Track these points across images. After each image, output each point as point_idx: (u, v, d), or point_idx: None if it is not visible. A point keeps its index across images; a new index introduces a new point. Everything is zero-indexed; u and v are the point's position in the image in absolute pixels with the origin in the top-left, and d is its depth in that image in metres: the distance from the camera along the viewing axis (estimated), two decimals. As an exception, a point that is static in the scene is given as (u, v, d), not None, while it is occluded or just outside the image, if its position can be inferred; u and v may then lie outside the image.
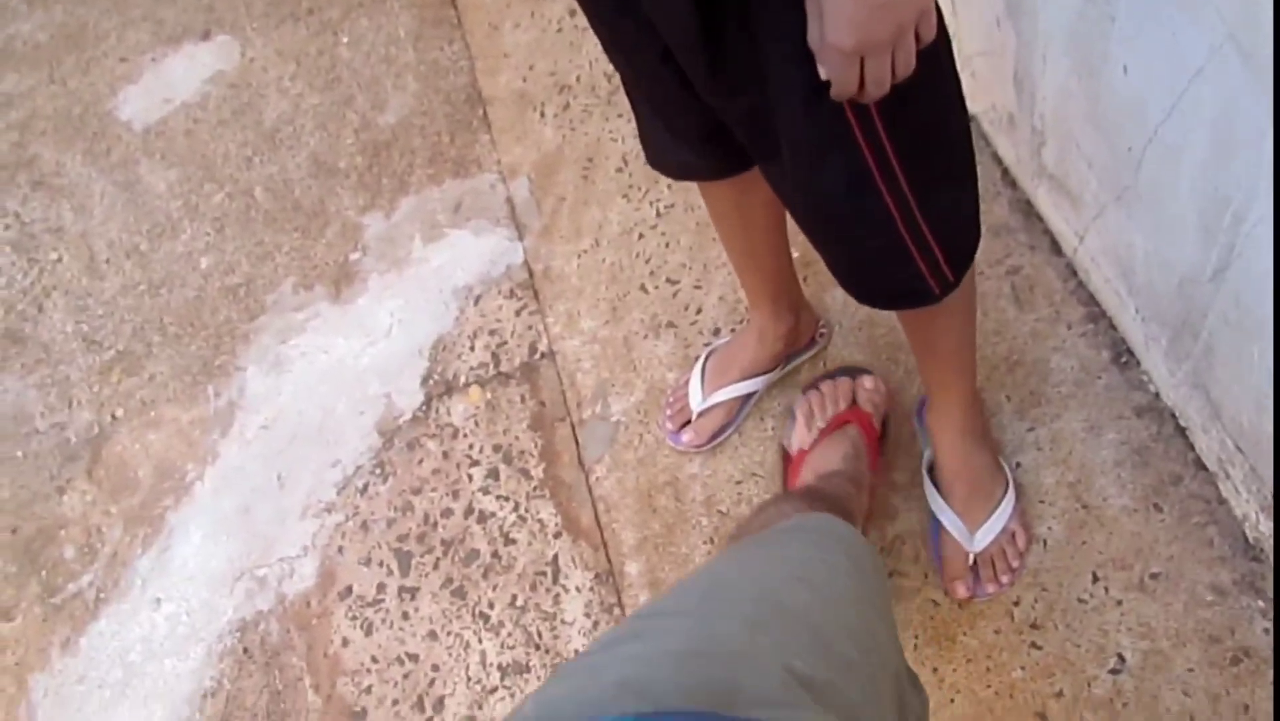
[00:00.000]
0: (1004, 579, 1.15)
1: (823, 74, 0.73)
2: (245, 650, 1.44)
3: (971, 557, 1.15)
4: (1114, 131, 1.03)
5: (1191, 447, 1.16)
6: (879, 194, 0.84)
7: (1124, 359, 1.25)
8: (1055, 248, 1.35)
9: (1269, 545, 1.05)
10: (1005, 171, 1.43)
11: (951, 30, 0.94)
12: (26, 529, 1.66)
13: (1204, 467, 1.14)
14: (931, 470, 1.20)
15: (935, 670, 1.15)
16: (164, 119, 2.09)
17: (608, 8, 0.87)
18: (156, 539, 1.58)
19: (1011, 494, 1.18)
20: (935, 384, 1.15)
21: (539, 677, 1.29)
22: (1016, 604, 1.16)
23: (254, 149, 1.96)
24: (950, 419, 1.16)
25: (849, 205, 0.86)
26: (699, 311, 1.49)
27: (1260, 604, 1.07)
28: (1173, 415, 1.18)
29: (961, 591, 1.15)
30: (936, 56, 0.78)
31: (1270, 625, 1.05)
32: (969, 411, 1.16)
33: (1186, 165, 0.92)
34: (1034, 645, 1.13)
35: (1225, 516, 1.12)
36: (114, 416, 1.73)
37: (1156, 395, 1.21)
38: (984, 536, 1.15)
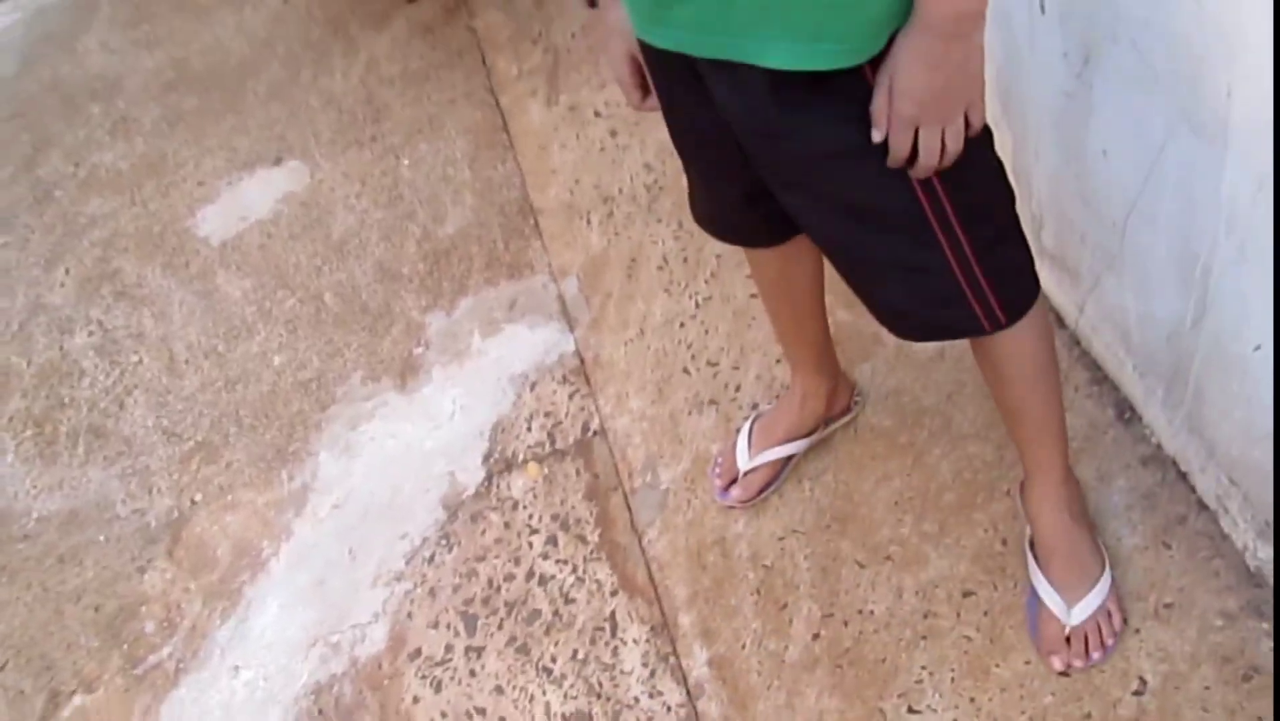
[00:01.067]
0: (1095, 654, 1.21)
1: (877, 137, 0.89)
2: (320, 711, 1.53)
3: (1067, 631, 1.23)
4: (1101, 207, 1.19)
5: (1193, 490, 1.28)
6: (939, 247, 0.98)
7: (1127, 415, 1.39)
8: (1060, 321, 1.50)
9: (1269, 570, 1.16)
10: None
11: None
12: (109, 606, 1.78)
13: (1205, 507, 1.26)
14: (1032, 545, 1.28)
15: (972, 700, 1.24)
16: (239, 234, 2.29)
17: (682, 97, 1.03)
18: (234, 611, 1.69)
19: (1108, 573, 1.25)
20: (1029, 459, 1.25)
21: (600, 724, 1.39)
22: (1044, 640, 1.26)
23: (323, 259, 2.15)
24: (1045, 495, 1.25)
25: (912, 262, 1.01)
26: (738, 389, 1.63)
27: (1265, 625, 1.17)
28: (1174, 462, 1.31)
29: (1058, 665, 1.22)
30: (986, 137, 0.96)
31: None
32: (1063, 488, 1.25)
33: (1162, 229, 1.07)
34: (1062, 673, 1.22)
35: (1228, 550, 1.23)
36: (193, 501, 1.87)
37: (1158, 446, 1.34)
38: (1080, 612, 1.22)
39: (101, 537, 1.88)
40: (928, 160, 0.89)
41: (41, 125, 2.93)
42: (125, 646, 1.71)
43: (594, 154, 2.07)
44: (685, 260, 1.82)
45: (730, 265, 1.77)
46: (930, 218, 0.97)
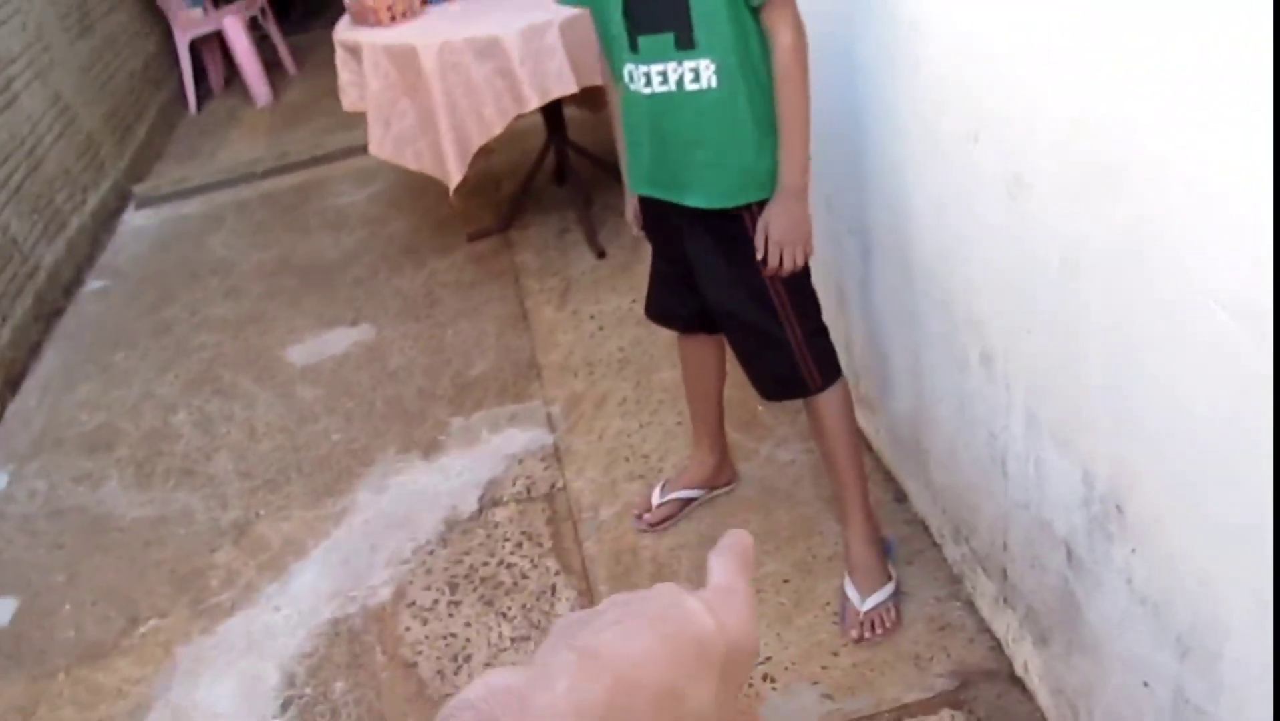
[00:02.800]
0: (877, 632, 1.89)
1: (759, 255, 1.76)
2: (336, 632, 2.17)
3: (860, 615, 1.93)
4: (888, 371, 2.06)
5: (928, 532, 2.05)
6: (784, 327, 1.83)
7: (899, 496, 2.18)
8: (869, 445, 2.32)
9: (960, 565, 1.90)
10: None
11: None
12: (182, 569, 2.43)
13: (933, 541, 2.02)
14: (846, 560, 2.01)
15: (779, 635, 1.94)
16: (318, 363, 3.13)
17: (660, 227, 1.92)
18: (279, 577, 2.35)
19: (891, 587, 1.94)
20: (842, 502, 1.97)
21: (535, 644, 2.04)
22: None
23: (379, 381, 2.97)
24: (853, 528, 1.96)
25: (769, 334, 1.85)
26: (659, 472, 2.41)
27: (958, 602, 1.91)
28: (921, 520, 2.08)
29: (853, 635, 1.91)
30: (808, 273, 1.85)
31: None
32: (865, 526, 1.96)
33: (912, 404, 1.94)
34: (856, 640, 1.94)
35: (939, 556, 1.99)
36: (257, 514, 2.57)
37: (916, 512, 2.12)
38: (869, 604, 1.92)
39: (182, 532, 2.56)
40: (787, 268, 1.77)
41: (167, 287, 3.84)
42: (193, 593, 2.35)
43: (585, 338, 2.96)
44: (637, 402, 2.66)
45: (665, 408, 2.60)
46: (779, 309, 1.84)
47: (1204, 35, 0.95)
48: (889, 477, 2.25)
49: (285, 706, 2.01)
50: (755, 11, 1.59)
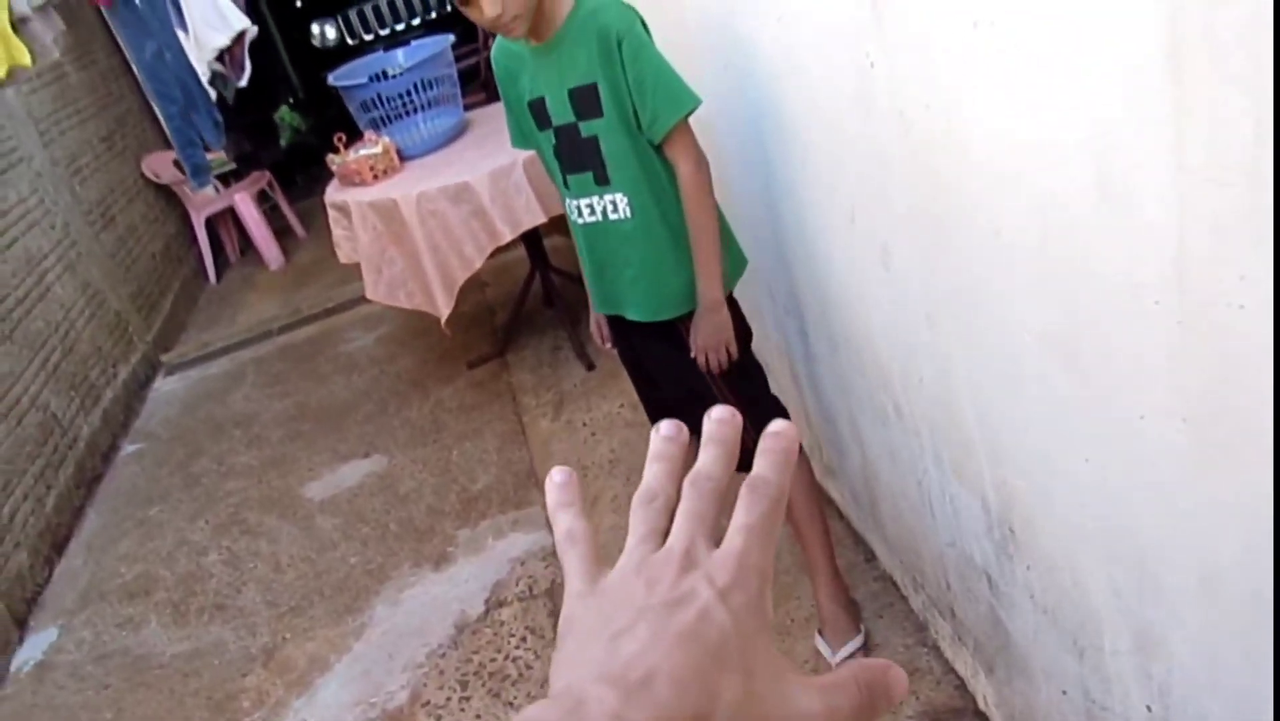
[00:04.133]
0: None
1: (691, 356, 1.98)
2: (359, 737, 2.33)
3: (833, 666, 2.11)
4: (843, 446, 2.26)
5: (896, 587, 2.20)
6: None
7: (868, 556, 2.34)
8: (840, 514, 2.49)
9: (926, 614, 2.06)
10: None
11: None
12: (217, 695, 2.61)
13: (900, 592, 2.18)
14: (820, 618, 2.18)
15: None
16: (335, 496, 3.35)
17: (623, 346, 2.14)
18: (306, 691, 2.53)
19: (860, 639, 2.10)
20: (811, 564, 2.15)
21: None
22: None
23: (391, 505, 3.19)
24: (820, 587, 2.13)
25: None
26: (650, 559, 2.59)
27: (924, 648, 2.05)
28: (888, 575, 2.24)
29: None
30: (739, 351, 2.05)
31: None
32: (832, 584, 2.13)
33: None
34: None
35: (907, 609, 2.14)
36: (284, 638, 2.75)
37: (883, 569, 2.28)
38: (839, 656, 2.09)
39: (216, 661, 2.75)
40: (714, 367, 1.98)
41: (196, 443, 4.11)
42: (228, 715, 2.53)
43: (578, 445, 3.18)
44: (628, 498, 2.83)
45: (655, 499, 2.79)
46: (721, 402, 2.05)
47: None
48: (858, 539, 2.42)
49: (314, 809, 2.17)
50: (658, 148, 1.84)
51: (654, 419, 2.32)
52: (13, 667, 2.97)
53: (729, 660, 0.37)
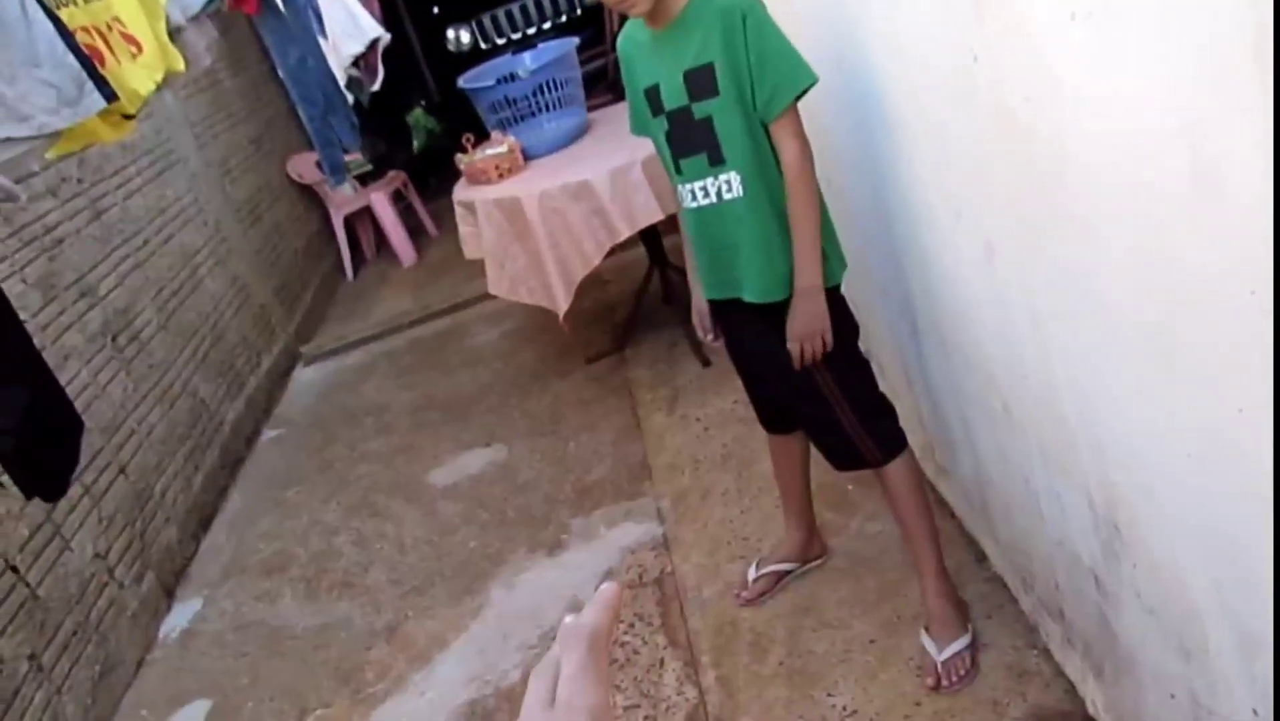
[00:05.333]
0: (954, 681, 2.03)
1: (789, 343, 2.00)
2: (472, 712, 2.43)
3: (936, 664, 2.09)
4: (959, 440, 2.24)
5: (1005, 586, 2.17)
6: (835, 410, 2.05)
7: (979, 557, 2.31)
8: (952, 513, 2.47)
9: (1034, 614, 2.03)
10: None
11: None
12: (344, 666, 2.76)
13: (1009, 592, 2.15)
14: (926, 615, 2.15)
15: (865, 689, 2.09)
16: (457, 482, 3.49)
17: (731, 339, 2.17)
18: (425, 666, 2.65)
19: (969, 636, 2.08)
20: (917, 560, 2.15)
21: (644, 713, 2.25)
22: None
23: (510, 493, 3.30)
24: (928, 583, 2.13)
25: (822, 417, 2.07)
26: (758, 552, 2.61)
27: (1034, 650, 2.02)
28: (999, 577, 2.21)
29: (929, 682, 2.06)
30: (844, 345, 2.06)
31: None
32: (939, 581, 2.12)
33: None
34: (932, 688, 2.08)
35: (1018, 611, 2.11)
36: (406, 616, 2.89)
37: (993, 570, 2.25)
38: (945, 654, 2.07)
39: (343, 635, 2.90)
40: (808, 357, 1.99)
41: (331, 430, 4.33)
42: (353, 686, 2.67)
43: (692, 439, 3.22)
44: (738, 491, 2.88)
45: (764, 495, 2.82)
46: (827, 395, 2.06)
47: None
48: (969, 540, 2.39)
49: (430, 776, 2.28)
50: (767, 128, 1.87)
51: (761, 416, 2.35)
52: (161, 634, 3.20)
53: None
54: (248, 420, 4.49)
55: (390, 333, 5.24)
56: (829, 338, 1.97)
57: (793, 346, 1.95)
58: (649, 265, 3.91)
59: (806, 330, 1.94)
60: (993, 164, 1.44)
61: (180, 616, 3.28)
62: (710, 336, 2.23)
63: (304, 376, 5.12)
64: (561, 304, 3.31)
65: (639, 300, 4.04)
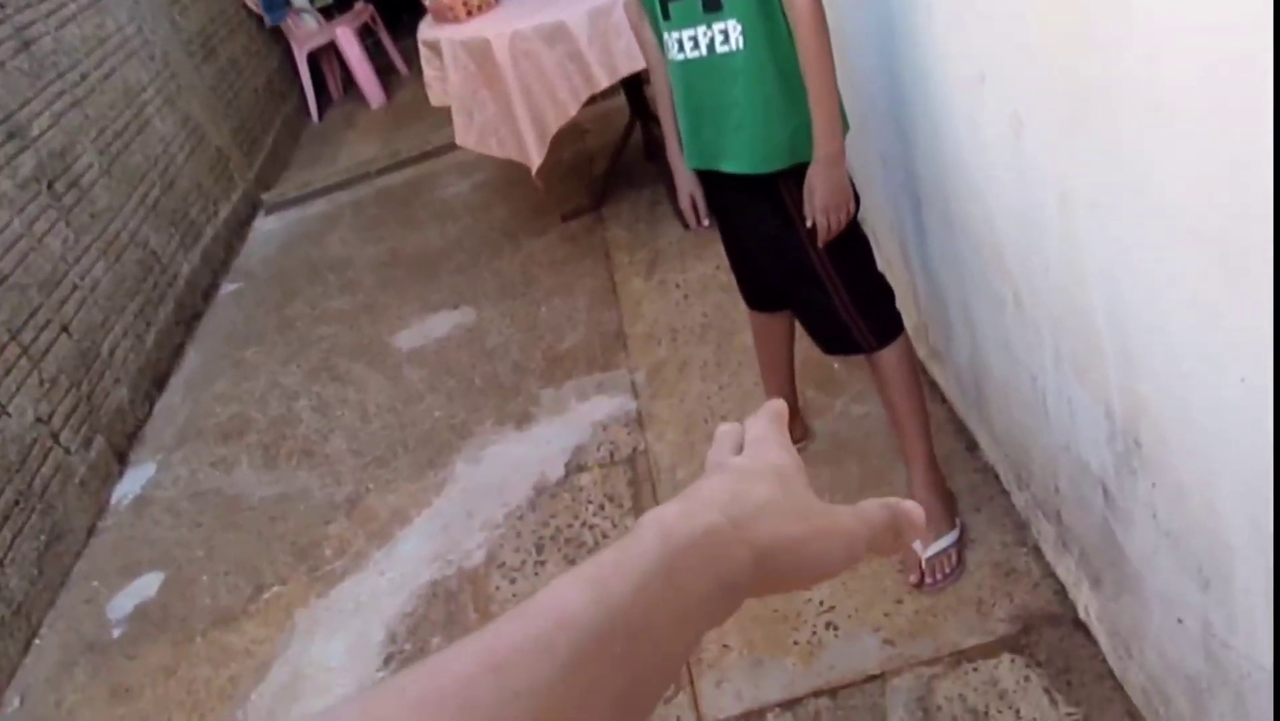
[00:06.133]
0: (939, 578, 1.92)
1: (809, 223, 1.80)
2: (434, 593, 2.33)
3: (921, 561, 1.98)
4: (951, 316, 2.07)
5: (997, 478, 2.05)
6: (829, 293, 1.87)
7: (969, 444, 2.18)
8: (943, 396, 2.32)
9: (1027, 510, 1.90)
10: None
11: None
12: (301, 541, 2.64)
13: (1001, 486, 2.03)
14: None
15: (844, 583, 1.99)
16: (423, 345, 3.31)
17: (719, 212, 1.96)
18: (386, 544, 2.53)
19: (955, 534, 1.97)
20: (905, 449, 2.01)
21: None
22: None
23: (478, 359, 3.13)
24: (915, 473, 2.00)
25: (815, 300, 1.89)
26: (737, 433, 2.47)
27: (1023, 548, 1.91)
28: (991, 467, 2.08)
29: (912, 580, 1.95)
30: (857, 236, 1.86)
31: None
32: (928, 472, 1.99)
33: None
34: (915, 585, 1.97)
35: (1008, 504, 1.99)
36: (367, 488, 2.76)
37: (985, 460, 2.12)
38: (931, 551, 1.96)
39: (301, 507, 2.77)
40: (832, 231, 1.79)
41: (291, 285, 4.12)
42: (310, 562, 2.56)
43: (670, 307, 3.04)
44: (718, 365, 2.73)
45: (744, 370, 2.66)
46: (823, 277, 1.87)
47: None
48: (960, 427, 2.26)
49: (387, 661, 2.18)
50: (774, -22, 1.63)
51: (749, 297, 2.17)
52: (113, 500, 3.07)
53: (790, 483, 0.48)
54: (204, 273, 4.26)
55: (356, 181, 4.97)
56: (851, 208, 1.78)
57: (819, 220, 1.75)
58: (630, 117, 3.65)
59: (830, 201, 1.73)
60: (1030, 23, 1.22)
61: (133, 482, 3.14)
62: (704, 222, 2.00)
63: (265, 226, 4.87)
64: (534, 158, 3.07)
65: (618, 155, 3.79)
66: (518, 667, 0.33)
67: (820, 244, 1.79)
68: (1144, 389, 1.26)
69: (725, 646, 1.95)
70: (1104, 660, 1.73)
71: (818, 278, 1.86)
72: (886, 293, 1.95)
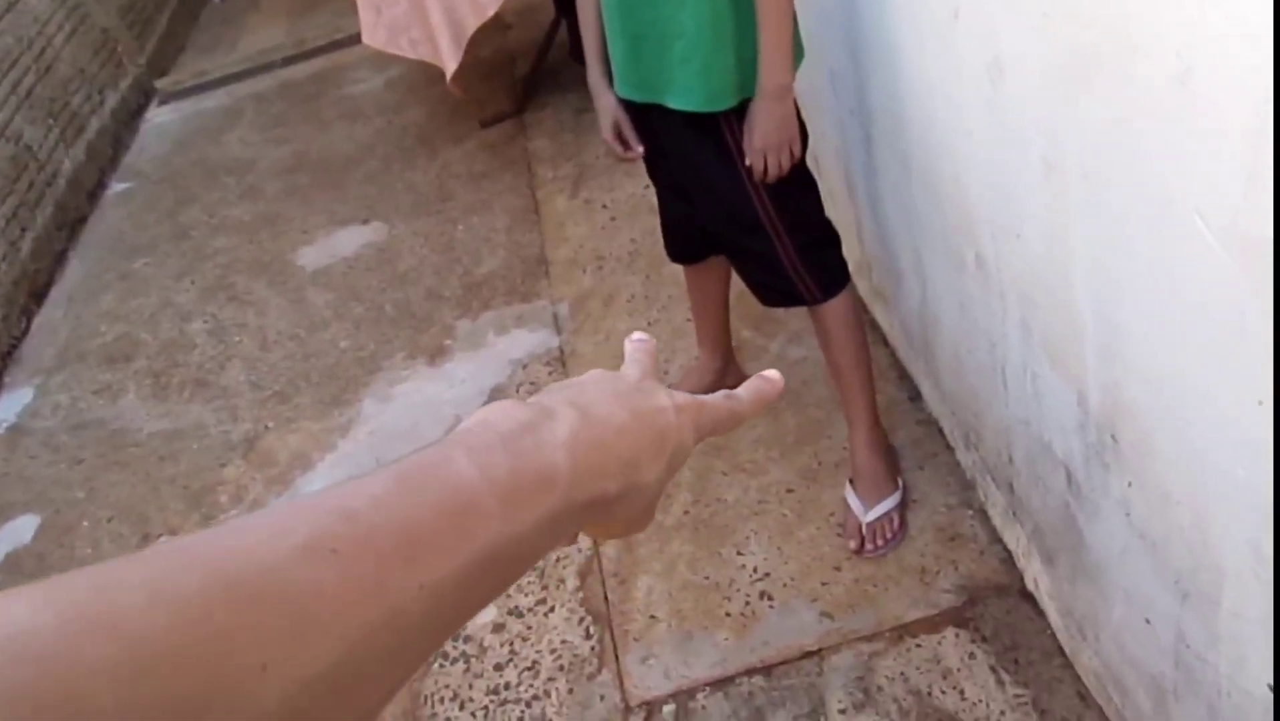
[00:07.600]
0: (880, 544, 1.79)
1: (746, 162, 1.59)
2: (338, 549, 2.15)
3: (861, 526, 1.84)
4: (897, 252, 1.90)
5: (941, 433, 1.92)
6: (772, 241, 1.68)
7: (913, 395, 2.05)
8: (884, 340, 2.18)
9: (973, 469, 1.78)
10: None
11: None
12: (194, 486, 2.43)
13: (946, 442, 1.90)
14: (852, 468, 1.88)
15: (779, 549, 1.86)
16: (329, 266, 3.06)
17: (650, 147, 1.74)
18: (286, 491, 2.33)
19: (899, 495, 1.83)
20: (848, 408, 1.86)
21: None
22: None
23: (388, 283, 2.90)
24: (858, 434, 1.85)
25: (755, 249, 1.70)
26: (665, 373, 2.31)
27: (969, 510, 1.79)
28: (935, 420, 1.96)
29: (852, 546, 1.81)
30: (804, 180, 1.67)
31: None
32: (870, 432, 1.85)
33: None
34: (855, 551, 1.84)
35: (951, 461, 1.87)
36: (266, 427, 2.54)
37: (929, 414, 1.99)
38: (872, 515, 1.81)
39: (195, 446, 2.55)
40: (772, 174, 1.60)
41: (186, 188, 3.79)
42: (203, 509, 2.35)
43: (596, 230, 2.83)
44: (646, 298, 2.54)
45: (675, 304, 2.48)
46: (765, 223, 1.68)
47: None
48: (903, 375, 2.12)
49: (285, 627, 2.01)
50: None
51: (673, 249, 1.97)
52: (-15, 432, 2.81)
53: (664, 450, 0.46)
54: (89, 171, 3.90)
55: (259, 71, 4.57)
56: (797, 149, 1.59)
57: (755, 160, 1.56)
58: (555, 14, 3.35)
59: (773, 140, 1.54)
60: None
61: (7, 408, 2.88)
62: (634, 151, 1.77)
63: (158, 119, 4.48)
64: (449, 62, 2.79)
65: (543, 55, 3.50)
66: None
67: (759, 184, 1.60)
68: (1129, 387, 1.11)
69: (653, 617, 1.82)
70: (1053, 635, 1.63)
71: (761, 226, 1.67)
72: (834, 240, 1.77)
